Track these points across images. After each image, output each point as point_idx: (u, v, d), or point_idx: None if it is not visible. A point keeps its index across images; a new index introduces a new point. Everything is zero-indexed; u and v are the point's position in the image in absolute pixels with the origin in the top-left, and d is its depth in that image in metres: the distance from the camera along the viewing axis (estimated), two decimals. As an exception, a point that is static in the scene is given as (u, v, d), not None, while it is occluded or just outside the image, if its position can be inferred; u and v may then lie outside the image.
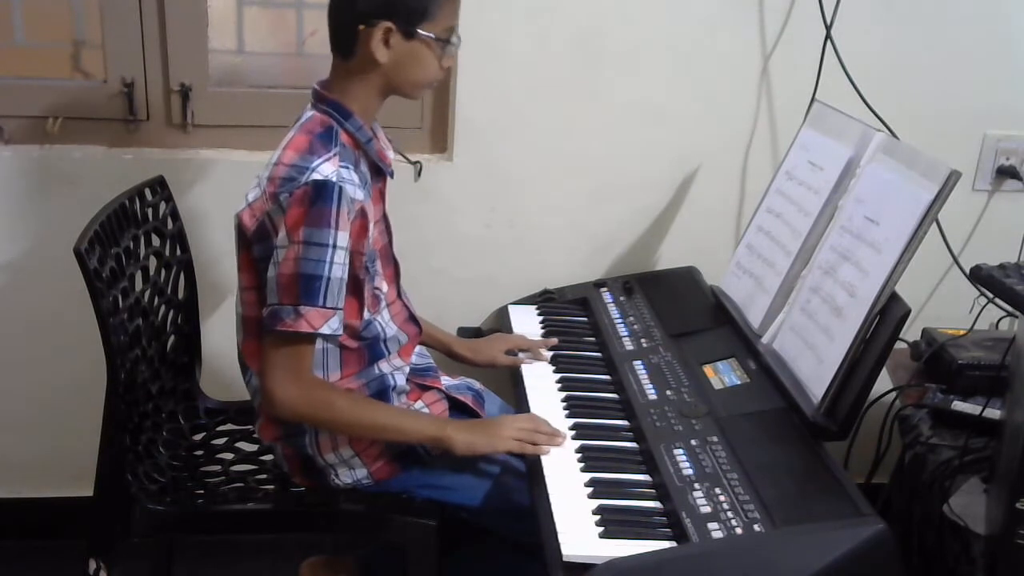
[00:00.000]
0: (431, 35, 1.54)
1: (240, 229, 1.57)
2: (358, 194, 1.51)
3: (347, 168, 1.51)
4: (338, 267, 1.49)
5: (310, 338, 1.52)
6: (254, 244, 1.55)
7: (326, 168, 1.48)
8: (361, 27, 1.52)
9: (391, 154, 1.68)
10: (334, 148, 1.52)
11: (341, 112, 1.56)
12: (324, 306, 1.48)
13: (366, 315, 1.62)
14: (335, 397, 1.60)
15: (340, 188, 1.47)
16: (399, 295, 1.76)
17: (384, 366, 1.67)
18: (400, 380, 1.70)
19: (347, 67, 1.57)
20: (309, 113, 1.59)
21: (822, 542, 1.32)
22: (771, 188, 1.98)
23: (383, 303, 1.67)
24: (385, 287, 1.68)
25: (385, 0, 1.51)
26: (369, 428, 1.61)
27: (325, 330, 1.49)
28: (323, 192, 1.46)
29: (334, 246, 1.47)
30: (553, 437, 1.61)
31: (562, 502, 1.45)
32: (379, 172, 1.65)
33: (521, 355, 1.91)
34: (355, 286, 1.57)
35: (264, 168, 1.56)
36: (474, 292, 2.21)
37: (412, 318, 1.76)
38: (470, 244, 2.22)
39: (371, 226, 1.56)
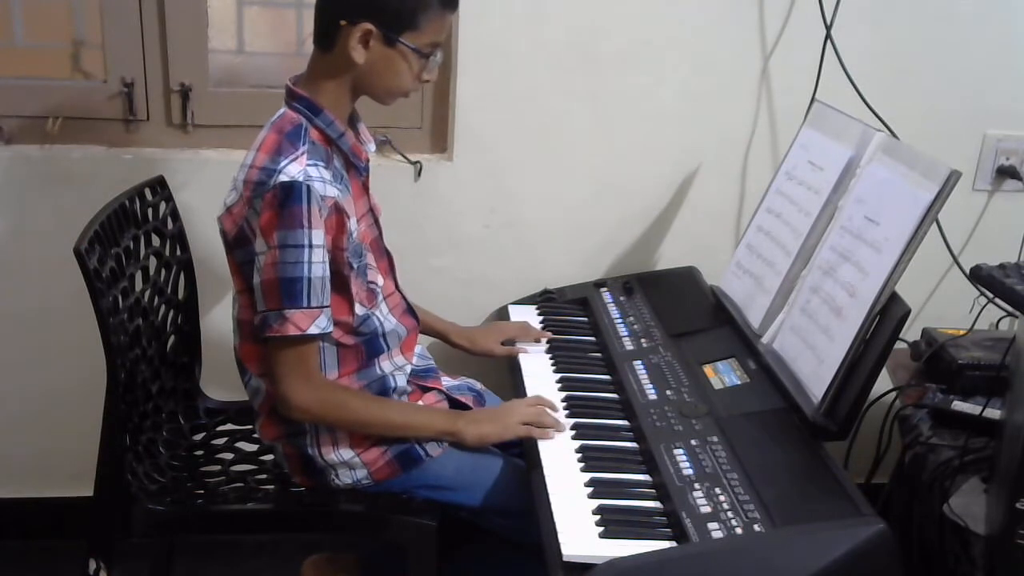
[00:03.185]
0: (412, 46, 1.54)
1: (223, 233, 1.58)
2: (329, 191, 1.51)
3: (315, 166, 1.51)
4: (317, 266, 1.49)
5: (307, 339, 1.52)
6: (236, 248, 1.56)
7: (292, 168, 1.48)
8: (343, 23, 1.52)
9: (371, 147, 1.68)
10: (302, 147, 1.52)
11: (311, 108, 1.56)
12: (309, 306, 1.49)
13: (361, 310, 1.62)
14: (347, 397, 1.62)
15: (308, 187, 1.47)
16: (396, 287, 1.76)
17: (386, 365, 1.67)
18: (401, 381, 1.70)
19: (324, 62, 1.57)
20: (281, 111, 1.59)
21: (822, 542, 1.32)
22: (771, 188, 1.98)
23: (379, 296, 1.67)
24: (381, 280, 1.68)
25: (372, 1, 1.50)
26: (381, 425, 1.63)
27: (313, 330, 1.50)
28: (291, 193, 1.46)
29: (310, 245, 1.47)
30: (557, 421, 1.64)
31: (562, 502, 1.45)
32: (357, 167, 1.65)
33: (518, 345, 1.93)
34: (341, 283, 1.57)
35: (240, 170, 1.56)
36: (474, 292, 2.21)
37: (410, 310, 1.77)
38: (470, 244, 2.22)
39: (350, 221, 1.56)
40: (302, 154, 1.51)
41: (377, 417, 1.63)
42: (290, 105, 1.58)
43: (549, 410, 1.68)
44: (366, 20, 1.51)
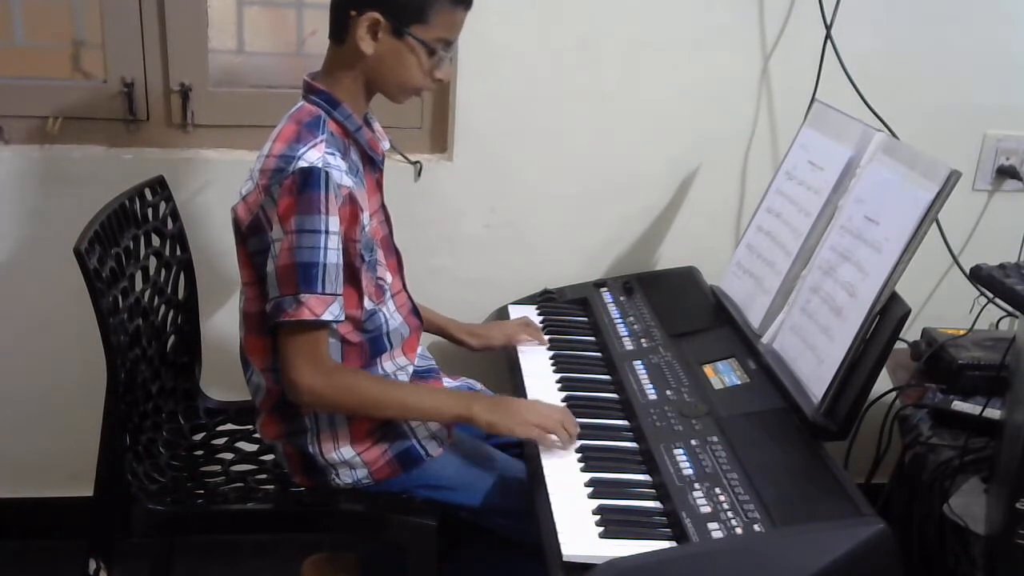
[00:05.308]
0: (419, 39, 1.54)
1: (236, 223, 1.58)
2: (345, 180, 1.51)
3: (333, 154, 1.51)
4: (332, 252, 1.49)
5: (319, 325, 1.51)
6: (249, 238, 1.56)
7: (311, 155, 1.49)
8: (352, 13, 1.52)
9: (385, 144, 1.69)
10: (321, 135, 1.52)
11: (330, 102, 1.57)
12: (323, 292, 1.49)
13: (369, 305, 1.62)
14: (358, 380, 1.61)
15: (326, 173, 1.47)
16: (404, 286, 1.76)
17: (388, 364, 1.67)
18: (404, 380, 1.70)
19: (338, 55, 1.58)
20: (299, 104, 1.60)
21: (822, 542, 1.32)
22: (771, 188, 1.98)
23: (388, 293, 1.68)
24: (389, 277, 1.69)
25: None
26: (394, 408, 1.62)
27: (327, 316, 1.49)
28: (309, 178, 1.47)
29: (326, 231, 1.47)
30: (571, 438, 1.59)
31: (562, 502, 1.45)
32: (373, 162, 1.65)
33: (518, 338, 1.94)
34: (352, 275, 1.57)
35: (257, 160, 1.56)
36: (474, 292, 2.21)
37: (415, 310, 1.77)
38: (470, 244, 2.22)
39: (363, 214, 1.56)
40: (320, 142, 1.51)
41: (389, 397, 1.61)
42: (308, 99, 1.58)
43: (570, 426, 1.60)
44: (374, 9, 1.51)
